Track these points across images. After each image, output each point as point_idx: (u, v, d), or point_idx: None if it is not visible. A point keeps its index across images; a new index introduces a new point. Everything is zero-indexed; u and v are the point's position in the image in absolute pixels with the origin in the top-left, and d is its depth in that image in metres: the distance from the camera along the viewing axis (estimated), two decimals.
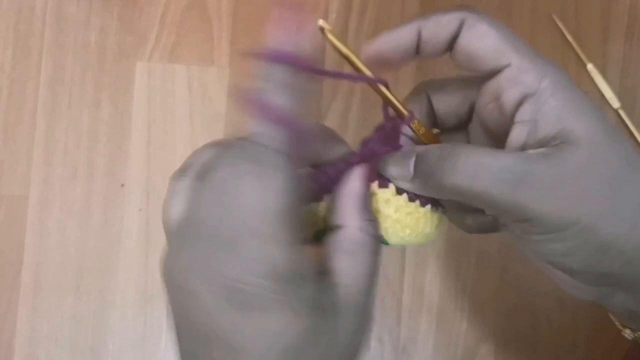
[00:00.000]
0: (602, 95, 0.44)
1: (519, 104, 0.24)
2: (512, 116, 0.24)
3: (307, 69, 0.22)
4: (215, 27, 0.46)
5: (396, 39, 0.26)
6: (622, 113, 0.44)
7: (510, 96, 0.24)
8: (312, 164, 0.26)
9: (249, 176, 0.21)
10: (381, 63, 0.27)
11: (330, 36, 0.26)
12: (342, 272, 0.23)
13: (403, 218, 0.27)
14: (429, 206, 0.28)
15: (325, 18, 0.46)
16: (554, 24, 0.45)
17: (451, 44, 0.25)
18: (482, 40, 0.24)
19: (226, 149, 0.22)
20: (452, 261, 0.45)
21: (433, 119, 0.29)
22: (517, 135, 0.24)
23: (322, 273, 0.23)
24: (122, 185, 0.46)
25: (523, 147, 0.24)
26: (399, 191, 0.27)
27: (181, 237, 0.22)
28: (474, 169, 0.23)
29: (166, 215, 0.23)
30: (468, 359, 0.44)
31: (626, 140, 0.24)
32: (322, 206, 0.26)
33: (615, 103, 0.44)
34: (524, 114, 0.24)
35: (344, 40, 0.26)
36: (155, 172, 0.46)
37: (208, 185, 0.21)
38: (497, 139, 0.26)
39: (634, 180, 0.23)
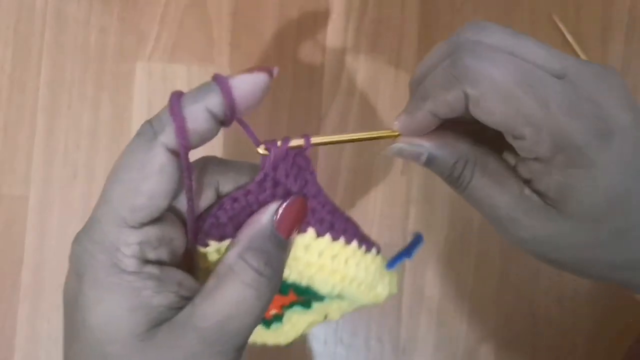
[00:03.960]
0: None
1: (532, 158, 0.24)
2: (521, 162, 0.25)
3: (234, 113, 0.22)
4: (215, 27, 0.46)
5: (416, 122, 0.25)
6: None
7: (523, 154, 0.24)
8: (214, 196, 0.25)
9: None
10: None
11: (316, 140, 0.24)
12: (201, 294, 0.22)
13: (329, 263, 0.25)
14: (355, 243, 0.26)
15: (326, 18, 0.46)
16: (554, 24, 0.45)
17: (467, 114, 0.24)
18: (491, 117, 0.23)
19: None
20: (452, 261, 0.45)
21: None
22: (524, 171, 0.24)
23: (188, 291, 0.22)
24: None
25: (526, 181, 0.25)
26: (320, 233, 0.25)
27: None
28: (478, 195, 0.25)
29: None
30: (468, 359, 0.44)
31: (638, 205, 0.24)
32: (216, 248, 0.24)
33: None
34: (533, 166, 0.24)
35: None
36: None
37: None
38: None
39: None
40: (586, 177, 0.23)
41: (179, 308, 0.22)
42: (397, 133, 0.25)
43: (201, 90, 0.22)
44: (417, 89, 0.25)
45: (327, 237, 0.25)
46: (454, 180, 0.25)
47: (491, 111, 0.23)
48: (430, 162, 0.25)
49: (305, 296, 0.28)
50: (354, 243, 0.26)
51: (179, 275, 0.23)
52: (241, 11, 0.47)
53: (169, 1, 0.47)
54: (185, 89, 0.22)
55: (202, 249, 0.24)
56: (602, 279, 0.26)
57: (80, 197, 0.46)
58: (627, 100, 0.23)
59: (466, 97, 0.23)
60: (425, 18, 0.46)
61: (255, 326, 0.22)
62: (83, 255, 0.21)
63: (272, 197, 0.24)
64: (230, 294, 0.22)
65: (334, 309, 0.30)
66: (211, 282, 0.22)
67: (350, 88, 0.46)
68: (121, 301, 0.21)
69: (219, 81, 0.21)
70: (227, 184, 0.25)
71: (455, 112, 0.24)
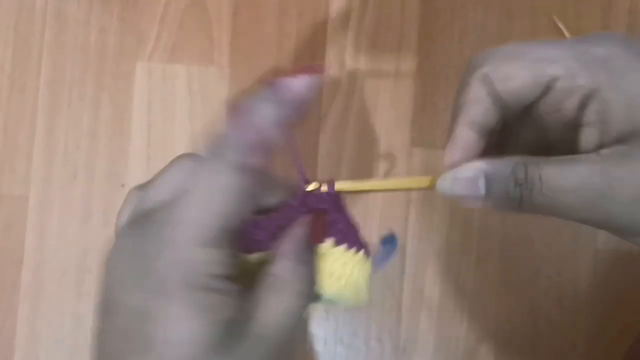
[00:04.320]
0: None
1: (582, 108, 0.23)
2: (577, 121, 0.23)
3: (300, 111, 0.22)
4: (215, 27, 0.46)
5: (460, 147, 0.24)
6: None
7: (570, 104, 0.23)
8: (253, 209, 0.26)
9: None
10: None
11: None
12: (261, 305, 0.23)
13: (339, 268, 0.27)
14: (362, 252, 0.28)
15: (326, 18, 0.46)
16: (554, 24, 0.45)
17: (499, 101, 0.24)
18: (515, 80, 0.23)
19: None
20: (452, 261, 0.45)
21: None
22: (588, 137, 0.23)
23: (245, 302, 0.23)
24: (122, 185, 0.46)
25: (598, 147, 0.23)
26: (338, 242, 0.27)
27: (123, 236, 0.24)
28: (554, 190, 0.22)
29: (117, 220, 0.25)
30: (468, 359, 0.44)
31: None
32: (257, 257, 0.26)
33: None
34: (590, 115, 0.22)
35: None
36: (155, 172, 0.46)
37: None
38: (555, 141, 0.25)
39: None
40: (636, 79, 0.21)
41: (240, 320, 0.23)
42: (430, 179, 0.25)
43: (263, 100, 0.22)
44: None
45: (344, 246, 0.27)
46: (522, 184, 0.22)
47: (512, 73, 0.23)
48: (489, 181, 0.23)
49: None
50: (361, 252, 0.28)
51: (236, 288, 0.24)
52: (241, 11, 0.47)
53: (169, 1, 0.47)
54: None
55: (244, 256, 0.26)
56: None
57: (80, 197, 0.46)
58: None
59: (485, 79, 0.23)
60: (425, 18, 0.46)
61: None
62: (157, 271, 0.22)
63: (303, 212, 0.27)
64: (288, 305, 0.23)
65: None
66: (266, 294, 0.23)
67: (350, 88, 0.46)
68: (199, 316, 0.21)
69: (280, 88, 0.22)
70: (267, 200, 0.26)
71: (486, 107, 0.23)
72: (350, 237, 0.28)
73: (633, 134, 0.21)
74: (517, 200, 0.23)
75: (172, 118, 0.46)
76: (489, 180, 0.23)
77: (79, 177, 0.46)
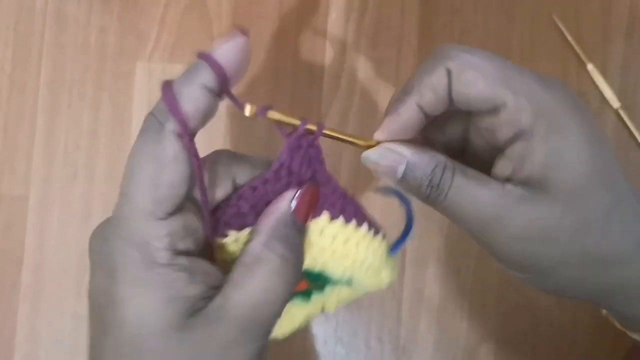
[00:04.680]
0: (602, 95, 0.44)
1: (511, 141, 0.24)
2: (500, 146, 0.25)
3: (226, 82, 0.22)
4: (215, 27, 0.46)
5: (401, 121, 0.25)
6: (622, 113, 0.44)
7: (504, 134, 0.24)
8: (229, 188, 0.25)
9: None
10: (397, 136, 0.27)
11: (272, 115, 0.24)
12: (230, 284, 0.22)
13: (341, 246, 0.26)
14: (364, 226, 0.26)
15: (325, 18, 0.46)
16: (554, 24, 0.45)
17: (450, 97, 0.25)
18: (473, 88, 0.24)
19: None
20: (452, 261, 0.45)
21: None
22: (502, 166, 0.25)
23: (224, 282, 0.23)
24: None
25: (506, 179, 0.25)
26: (333, 216, 0.25)
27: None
28: (456, 202, 0.24)
29: None
30: (468, 359, 0.44)
31: (615, 182, 0.24)
32: (240, 238, 0.24)
33: (615, 103, 0.44)
34: (513, 150, 0.24)
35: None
36: None
37: None
38: (485, 160, 0.27)
39: (616, 235, 0.24)
40: (569, 143, 0.23)
41: (208, 298, 0.22)
42: (368, 143, 0.26)
43: (190, 70, 0.22)
44: (400, 89, 0.26)
45: (340, 220, 0.26)
46: (434, 187, 0.25)
47: (472, 82, 0.24)
48: (408, 171, 0.25)
49: (317, 282, 0.29)
50: (364, 226, 0.27)
51: (205, 265, 0.23)
52: (241, 11, 0.47)
53: (169, 1, 0.47)
54: None
55: (220, 240, 0.24)
56: (589, 292, 0.26)
57: (80, 197, 0.46)
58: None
59: (449, 74, 0.24)
60: (425, 18, 0.46)
61: (282, 310, 0.23)
62: (113, 252, 0.22)
63: (287, 186, 0.25)
64: (259, 282, 0.22)
65: (331, 300, 0.30)
66: (239, 271, 0.23)
67: (350, 88, 0.46)
68: (156, 294, 0.21)
69: (204, 57, 0.22)
70: (243, 176, 0.25)
71: (438, 98, 0.24)
72: (347, 208, 0.26)
73: (539, 184, 0.23)
74: (425, 197, 0.25)
75: None
76: (408, 169, 0.25)
77: (79, 177, 0.46)
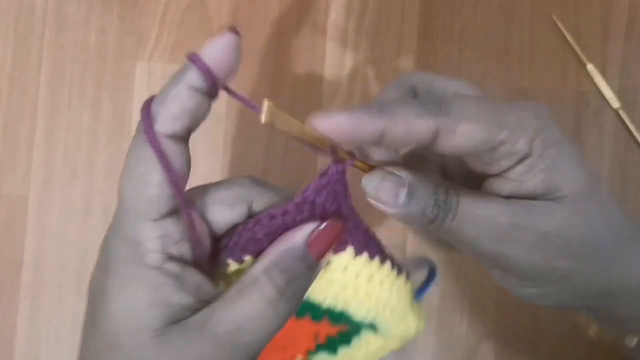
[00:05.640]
0: (602, 95, 0.44)
1: (512, 167, 0.24)
2: (497, 173, 0.25)
3: (214, 81, 0.22)
4: (215, 27, 0.46)
5: (355, 127, 0.22)
6: (622, 113, 0.44)
7: (503, 165, 0.24)
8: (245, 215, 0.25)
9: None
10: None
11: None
12: (223, 299, 0.22)
13: (364, 284, 0.25)
14: (388, 264, 0.25)
15: (325, 18, 0.46)
16: (554, 24, 0.45)
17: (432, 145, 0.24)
18: (468, 142, 0.23)
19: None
20: (452, 261, 0.45)
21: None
22: (501, 186, 0.25)
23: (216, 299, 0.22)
24: None
25: (508, 196, 0.24)
26: (357, 252, 0.24)
27: None
28: (466, 218, 0.24)
29: None
30: (468, 359, 0.44)
31: (600, 183, 0.26)
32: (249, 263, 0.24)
33: (615, 103, 0.44)
34: (514, 173, 0.24)
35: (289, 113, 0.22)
36: None
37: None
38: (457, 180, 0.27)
39: (610, 232, 0.25)
40: (564, 154, 0.24)
41: (196, 310, 0.22)
42: (368, 165, 0.24)
43: (178, 72, 0.23)
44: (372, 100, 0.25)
45: (365, 256, 0.25)
46: (441, 206, 0.23)
47: (470, 134, 0.23)
48: (410, 197, 0.23)
49: (339, 323, 0.28)
50: (387, 263, 0.26)
51: (198, 278, 0.23)
52: (241, 11, 0.47)
53: (169, 1, 0.47)
54: None
55: (235, 265, 0.24)
56: (599, 295, 0.26)
57: (80, 197, 0.46)
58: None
59: (437, 130, 0.22)
60: (425, 18, 0.46)
61: (267, 343, 0.22)
62: (108, 249, 0.22)
63: (308, 218, 0.24)
64: (248, 306, 0.22)
65: (360, 354, 0.29)
66: (234, 289, 0.22)
67: (350, 88, 0.46)
68: (141, 294, 0.21)
69: (190, 57, 0.22)
70: (261, 203, 0.25)
71: (409, 140, 0.23)
72: (370, 243, 0.25)
73: (543, 195, 0.24)
74: (431, 219, 0.24)
75: None
76: (411, 192, 0.24)
77: (79, 177, 0.46)
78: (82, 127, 0.46)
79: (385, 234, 0.45)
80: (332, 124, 0.21)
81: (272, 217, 0.23)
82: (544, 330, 0.44)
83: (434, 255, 0.45)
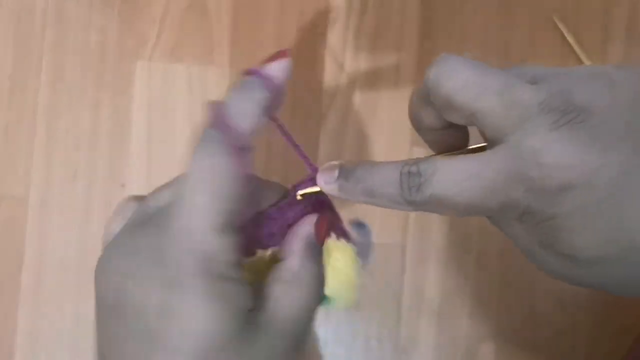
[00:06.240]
0: None
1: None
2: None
3: (277, 99, 0.23)
4: (215, 27, 0.46)
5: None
6: None
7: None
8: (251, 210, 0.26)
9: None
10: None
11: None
12: (273, 299, 0.23)
13: (339, 264, 0.27)
14: (350, 244, 0.27)
15: (326, 18, 0.46)
16: (554, 24, 0.45)
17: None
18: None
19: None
20: (452, 261, 0.45)
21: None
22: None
23: (257, 297, 0.23)
24: (123, 185, 0.46)
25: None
26: (338, 237, 0.27)
27: (125, 237, 0.24)
28: (446, 179, 0.23)
29: (108, 229, 0.26)
30: (468, 359, 0.44)
31: None
32: (265, 256, 0.26)
33: None
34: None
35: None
36: (155, 172, 0.46)
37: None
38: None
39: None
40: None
41: (252, 310, 0.23)
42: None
43: (246, 88, 0.23)
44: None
45: (342, 240, 0.27)
46: (412, 174, 0.23)
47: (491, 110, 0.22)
48: (347, 174, 0.26)
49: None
50: (349, 244, 0.28)
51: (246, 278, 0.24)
52: (241, 11, 0.47)
53: (169, 1, 0.47)
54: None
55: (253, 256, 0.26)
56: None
57: (80, 197, 0.46)
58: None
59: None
60: (425, 18, 0.46)
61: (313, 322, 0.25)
62: (172, 264, 0.21)
63: (302, 211, 0.27)
64: (299, 300, 0.24)
65: None
66: (280, 288, 0.24)
67: (350, 88, 0.46)
68: (222, 308, 0.21)
69: (259, 74, 0.22)
70: (266, 201, 0.27)
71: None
72: (340, 228, 0.28)
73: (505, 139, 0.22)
74: (406, 194, 0.23)
75: (172, 118, 0.46)
76: (346, 170, 0.25)
77: (79, 177, 0.46)
78: (82, 128, 0.46)
79: (385, 234, 0.45)
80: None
81: (281, 210, 0.26)
82: (544, 330, 0.44)
83: (434, 255, 0.45)
